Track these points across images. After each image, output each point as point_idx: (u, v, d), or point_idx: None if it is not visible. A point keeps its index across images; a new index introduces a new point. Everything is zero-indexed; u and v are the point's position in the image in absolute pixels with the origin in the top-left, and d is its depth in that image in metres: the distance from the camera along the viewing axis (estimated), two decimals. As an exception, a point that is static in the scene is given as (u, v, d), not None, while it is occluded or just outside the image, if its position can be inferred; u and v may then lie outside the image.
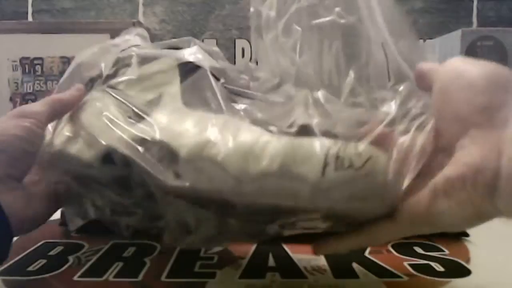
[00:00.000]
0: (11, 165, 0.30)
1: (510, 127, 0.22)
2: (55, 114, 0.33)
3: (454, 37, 0.56)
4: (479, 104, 0.23)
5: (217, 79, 0.34)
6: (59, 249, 0.39)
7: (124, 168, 0.30)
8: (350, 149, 0.26)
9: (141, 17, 1.34)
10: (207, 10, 1.34)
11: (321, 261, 0.36)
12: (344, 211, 0.28)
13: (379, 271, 0.34)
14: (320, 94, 0.30)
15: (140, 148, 0.29)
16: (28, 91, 0.74)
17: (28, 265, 0.35)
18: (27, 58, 0.73)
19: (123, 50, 0.37)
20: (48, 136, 0.33)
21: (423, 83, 0.27)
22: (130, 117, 0.31)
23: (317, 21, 0.33)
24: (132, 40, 0.40)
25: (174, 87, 0.34)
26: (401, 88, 0.29)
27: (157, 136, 0.29)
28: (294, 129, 0.28)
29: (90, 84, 0.37)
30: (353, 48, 0.32)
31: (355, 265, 0.35)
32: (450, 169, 0.24)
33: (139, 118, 0.31)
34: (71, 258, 0.37)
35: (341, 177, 0.26)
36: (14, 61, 0.72)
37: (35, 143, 0.31)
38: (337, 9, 0.32)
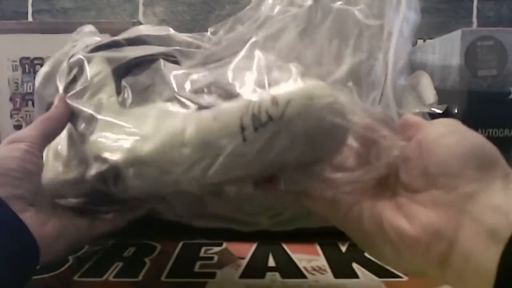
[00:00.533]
0: (15, 186, 0.29)
1: (474, 204, 0.21)
2: (49, 134, 0.33)
3: (454, 37, 0.56)
4: (450, 169, 0.23)
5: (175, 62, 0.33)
6: (59, 249, 0.39)
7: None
8: (265, 102, 0.24)
9: (141, 17, 1.34)
10: (207, 10, 1.33)
11: (321, 261, 0.36)
12: (283, 163, 0.26)
13: (379, 271, 0.34)
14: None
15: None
16: (28, 91, 0.74)
17: (28, 265, 0.35)
18: (27, 58, 0.73)
19: (72, 56, 0.36)
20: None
21: (406, 133, 0.26)
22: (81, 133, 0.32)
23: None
24: (80, 43, 0.39)
25: (109, 89, 0.33)
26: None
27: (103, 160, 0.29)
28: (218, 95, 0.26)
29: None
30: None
31: (355, 265, 0.35)
32: (406, 224, 0.23)
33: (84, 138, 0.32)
34: (71, 258, 0.37)
35: (264, 135, 0.24)
36: (14, 61, 0.72)
37: (36, 163, 0.31)
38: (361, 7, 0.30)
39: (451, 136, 0.24)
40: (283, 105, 0.23)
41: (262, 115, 0.24)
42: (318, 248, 0.39)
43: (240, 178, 0.28)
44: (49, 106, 0.36)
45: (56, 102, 0.34)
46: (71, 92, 0.34)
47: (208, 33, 0.36)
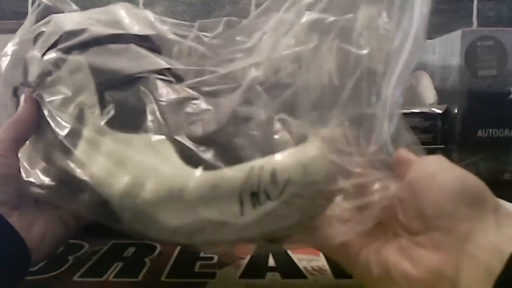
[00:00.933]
0: None
1: (471, 244, 0.22)
2: (19, 137, 0.32)
3: (454, 37, 0.56)
4: (444, 211, 0.23)
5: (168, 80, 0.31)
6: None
7: None
8: (265, 179, 0.24)
9: (141, 17, 1.34)
10: (207, 10, 1.33)
11: (321, 261, 0.36)
12: (274, 231, 0.27)
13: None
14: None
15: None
16: (28, 91, 0.74)
17: (28, 265, 0.35)
18: (27, 58, 0.73)
19: (47, 49, 0.32)
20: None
21: (399, 170, 0.27)
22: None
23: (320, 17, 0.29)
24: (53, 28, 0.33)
25: (90, 96, 0.30)
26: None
27: (86, 183, 0.28)
28: (210, 156, 0.26)
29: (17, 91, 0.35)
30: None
31: (355, 265, 0.35)
32: (410, 267, 0.23)
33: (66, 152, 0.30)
34: (71, 258, 0.37)
35: (261, 212, 0.25)
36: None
37: (12, 165, 0.31)
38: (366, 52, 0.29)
39: (440, 176, 0.24)
40: (282, 184, 0.24)
41: (261, 195, 0.24)
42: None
43: (231, 241, 0.28)
44: (14, 91, 0.35)
45: (23, 102, 0.33)
46: (43, 91, 0.32)
47: (195, 27, 0.35)
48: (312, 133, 0.26)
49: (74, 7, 0.38)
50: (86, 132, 0.29)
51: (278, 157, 0.25)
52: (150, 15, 0.35)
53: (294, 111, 0.27)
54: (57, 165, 0.30)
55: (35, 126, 0.32)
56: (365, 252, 0.26)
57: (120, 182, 0.27)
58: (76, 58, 0.31)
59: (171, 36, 0.34)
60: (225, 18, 0.35)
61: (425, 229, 0.24)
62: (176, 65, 0.32)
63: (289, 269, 0.35)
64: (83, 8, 0.38)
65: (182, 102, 0.29)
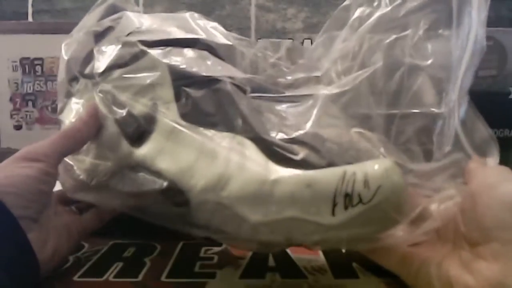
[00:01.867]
0: (25, 207, 0.28)
1: None
2: (68, 151, 0.31)
3: (454, 37, 0.56)
4: (504, 222, 0.23)
5: (241, 88, 0.31)
6: (59, 249, 0.39)
7: None
8: (358, 183, 0.25)
9: (141, 18, 1.34)
10: (207, 10, 1.33)
11: (321, 261, 0.36)
12: (355, 236, 0.28)
13: (379, 271, 0.34)
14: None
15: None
16: (28, 91, 0.74)
17: (28, 265, 0.35)
18: (27, 58, 0.73)
19: (119, 37, 0.32)
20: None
21: (465, 177, 0.28)
22: (128, 135, 0.30)
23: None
24: (127, 22, 0.33)
25: (166, 91, 0.30)
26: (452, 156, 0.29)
27: (164, 177, 0.28)
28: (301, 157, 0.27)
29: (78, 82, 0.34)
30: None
31: (355, 265, 0.35)
32: (471, 280, 0.24)
33: (136, 141, 0.30)
34: (71, 258, 0.37)
35: (351, 214, 0.26)
36: (14, 61, 0.72)
37: (51, 183, 0.30)
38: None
39: (501, 187, 0.25)
40: (374, 190, 0.25)
41: (354, 196, 0.25)
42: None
43: (312, 242, 0.28)
44: (70, 80, 0.34)
45: (86, 114, 0.31)
46: (108, 83, 0.31)
47: (258, 45, 0.36)
48: (384, 146, 0.29)
49: (137, 8, 0.38)
50: (160, 125, 0.29)
51: (369, 165, 0.26)
52: (219, 27, 0.35)
53: (366, 125, 0.30)
54: (117, 157, 0.30)
55: (87, 141, 0.31)
56: (426, 266, 0.27)
57: (203, 175, 0.27)
58: (156, 53, 0.31)
59: (243, 49, 0.35)
60: (287, 42, 0.36)
61: (485, 240, 0.24)
62: (251, 77, 0.32)
63: (289, 269, 0.35)
64: (83, 8, 0.38)
65: (263, 108, 0.31)
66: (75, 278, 0.33)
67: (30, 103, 0.75)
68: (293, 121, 0.30)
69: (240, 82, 0.31)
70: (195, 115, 0.29)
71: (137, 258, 0.37)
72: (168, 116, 0.29)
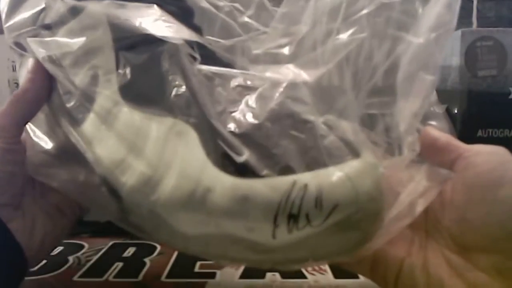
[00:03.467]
0: None
1: None
2: (25, 119, 0.27)
3: (454, 37, 0.56)
4: None
5: (191, 56, 0.25)
6: (59, 249, 0.39)
7: None
8: (308, 201, 0.20)
9: (141, 17, 1.34)
10: (207, 10, 1.33)
11: (321, 261, 0.36)
12: (305, 259, 0.23)
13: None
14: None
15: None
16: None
17: (28, 265, 0.35)
18: (27, 58, 0.73)
19: None
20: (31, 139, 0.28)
21: (437, 157, 0.22)
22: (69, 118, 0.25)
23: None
24: None
25: (107, 57, 0.25)
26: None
27: (98, 167, 0.24)
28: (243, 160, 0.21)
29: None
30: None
31: (355, 265, 0.35)
32: None
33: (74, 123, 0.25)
34: (71, 258, 0.37)
35: (297, 238, 0.21)
36: (14, 61, 0.72)
37: (17, 161, 0.26)
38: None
39: (508, 186, 0.19)
40: (328, 210, 0.20)
41: (301, 218, 0.20)
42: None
43: (250, 262, 0.25)
44: (16, 45, 0.28)
45: (31, 71, 0.26)
46: (50, 52, 0.26)
47: None
48: (363, 141, 0.22)
49: None
50: (99, 103, 0.24)
51: (327, 174, 0.20)
52: None
53: (343, 114, 0.23)
54: (63, 134, 0.26)
55: (42, 103, 0.27)
56: (409, 270, 0.22)
57: (133, 172, 0.23)
58: (95, 8, 0.25)
59: (204, 3, 0.27)
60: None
61: (486, 250, 0.20)
62: (208, 41, 0.26)
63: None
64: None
65: (215, 84, 0.25)
66: (75, 278, 0.33)
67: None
68: (249, 105, 0.24)
69: (190, 47, 0.25)
70: (133, 90, 0.24)
71: (137, 258, 0.37)
72: (107, 92, 0.24)
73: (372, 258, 0.24)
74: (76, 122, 0.25)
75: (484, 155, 0.21)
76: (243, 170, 0.21)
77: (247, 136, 0.22)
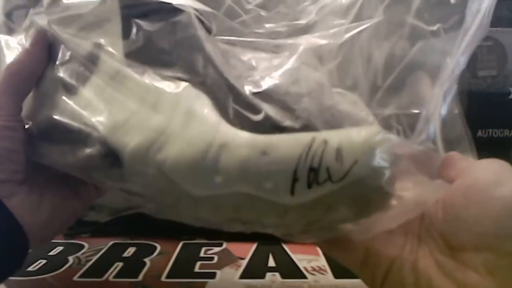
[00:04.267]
0: None
1: None
2: (23, 95, 0.26)
3: (454, 37, 0.56)
4: (508, 231, 0.20)
5: (207, 29, 0.25)
6: (59, 249, 0.39)
7: None
8: (329, 155, 0.20)
9: (141, 17, 1.34)
10: (207, 10, 1.33)
11: (321, 261, 0.36)
12: (316, 222, 0.23)
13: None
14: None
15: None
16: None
17: (28, 265, 0.35)
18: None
19: None
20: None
21: (447, 172, 0.23)
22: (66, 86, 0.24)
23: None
24: None
25: (114, 26, 0.25)
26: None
27: (98, 130, 0.23)
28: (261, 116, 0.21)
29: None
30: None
31: (355, 265, 0.35)
32: None
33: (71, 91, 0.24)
34: (71, 258, 0.37)
35: (316, 194, 0.20)
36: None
37: (15, 138, 0.26)
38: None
39: (505, 187, 0.20)
40: (348, 165, 0.20)
41: (321, 172, 0.20)
42: (318, 248, 0.39)
43: (262, 226, 0.24)
44: (15, 7, 0.28)
45: (30, 43, 0.26)
46: (54, 17, 0.25)
47: None
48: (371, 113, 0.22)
49: None
50: (104, 65, 0.24)
51: (346, 132, 0.20)
52: None
53: (352, 89, 0.23)
54: (54, 108, 0.25)
55: (39, 73, 0.26)
56: (398, 269, 0.23)
57: (141, 129, 0.22)
58: None
59: None
60: None
61: (477, 248, 0.20)
62: (221, 17, 0.26)
63: (289, 269, 0.35)
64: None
65: (229, 54, 0.24)
66: (75, 278, 0.33)
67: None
68: (264, 73, 0.24)
69: (206, 19, 0.25)
70: (146, 53, 0.24)
71: (137, 258, 0.37)
72: (112, 56, 0.24)
73: (364, 252, 0.24)
74: (73, 89, 0.24)
75: (484, 163, 0.22)
76: (259, 132, 0.21)
77: (266, 93, 0.22)
